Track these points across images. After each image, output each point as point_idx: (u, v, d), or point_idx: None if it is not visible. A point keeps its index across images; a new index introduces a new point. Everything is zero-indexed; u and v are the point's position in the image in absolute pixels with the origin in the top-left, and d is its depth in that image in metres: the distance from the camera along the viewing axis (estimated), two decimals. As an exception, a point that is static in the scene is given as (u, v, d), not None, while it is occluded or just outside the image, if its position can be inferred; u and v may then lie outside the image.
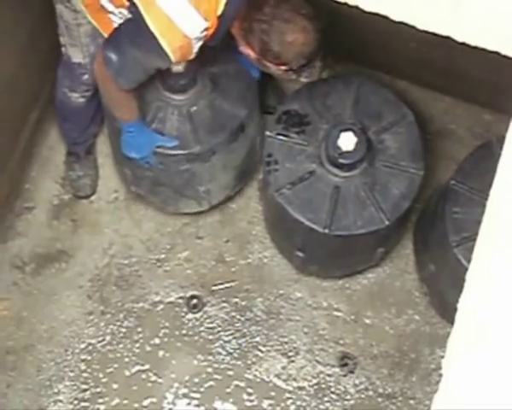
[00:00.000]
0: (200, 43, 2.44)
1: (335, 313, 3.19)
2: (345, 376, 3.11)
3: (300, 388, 3.09)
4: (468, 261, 1.51)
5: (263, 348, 3.14)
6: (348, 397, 3.08)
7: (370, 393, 3.09)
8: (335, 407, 3.07)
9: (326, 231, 2.79)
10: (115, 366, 3.12)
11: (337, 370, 3.11)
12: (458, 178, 2.86)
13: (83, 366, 3.12)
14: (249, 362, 3.12)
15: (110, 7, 2.54)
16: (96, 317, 3.18)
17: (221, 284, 3.23)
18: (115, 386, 3.10)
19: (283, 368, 3.11)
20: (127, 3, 2.41)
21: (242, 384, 3.10)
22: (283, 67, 2.52)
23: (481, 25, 1.49)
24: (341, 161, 2.79)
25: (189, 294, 3.21)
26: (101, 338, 3.16)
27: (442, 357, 1.50)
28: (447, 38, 1.53)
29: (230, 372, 3.11)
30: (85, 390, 3.09)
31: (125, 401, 3.08)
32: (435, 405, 1.49)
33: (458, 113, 3.42)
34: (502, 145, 1.54)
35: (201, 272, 3.24)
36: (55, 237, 3.30)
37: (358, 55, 3.35)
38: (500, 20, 1.48)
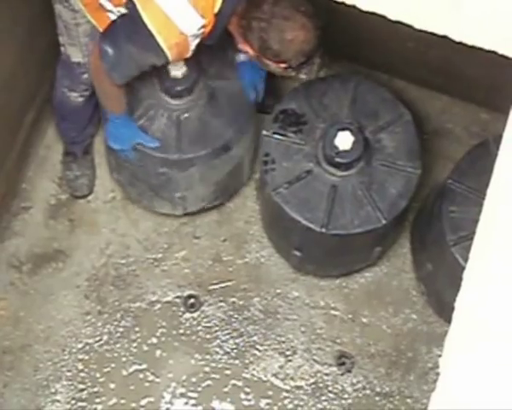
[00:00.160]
0: (197, 40, 2.44)
1: (333, 312, 3.19)
2: (342, 375, 3.11)
3: (298, 387, 3.09)
4: (466, 260, 1.52)
5: (260, 348, 3.14)
6: (346, 396, 3.09)
7: (368, 392, 3.09)
8: (333, 406, 3.07)
9: (323, 230, 2.79)
10: (112, 365, 3.12)
11: (334, 369, 3.11)
12: (455, 177, 2.86)
13: (80, 366, 3.11)
14: (247, 361, 3.12)
15: (109, 5, 2.54)
16: (94, 316, 3.18)
17: (218, 283, 3.23)
18: (112, 386, 3.09)
19: (281, 367, 3.12)
20: (125, 0, 2.41)
21: (240, 384, 3.10)
22: (283, 65, 2.51)
23: (478, 24, 1.49)
24: (338, 160, 2.80)
25: (186, 293, 3.21)
26: (98, 338, 3.15)
27: (439, 356, 1.50)
28: (444, 37, 1.53)
29: (228, 372, 3.11)
30: (83, 390, 3.09)
31: (123, 401, 3.08)
32: (432, 404, 1.49)
33: (455, 112, 3.42)
34: (499, 144, 1.54)
35: (199, 271, 3.24)
36: (52, 237, 3.30)
37: (355, 54, 3.35)
38: (497, 19, 1.48)
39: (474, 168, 2.81)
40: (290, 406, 3.07)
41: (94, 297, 3.20)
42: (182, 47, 2.42)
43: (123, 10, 2.47)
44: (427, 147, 3.26)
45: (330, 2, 1.68)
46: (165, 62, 2.50)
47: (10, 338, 3.15)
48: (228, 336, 3.16)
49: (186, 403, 3.08)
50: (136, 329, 3.16)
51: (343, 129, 2.79)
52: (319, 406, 3.07)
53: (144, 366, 3.11)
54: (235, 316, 3.18)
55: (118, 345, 3.14)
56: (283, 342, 3.15)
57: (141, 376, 3.10)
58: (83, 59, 2.86)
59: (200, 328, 3.17)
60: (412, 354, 3.13)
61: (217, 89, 2.93)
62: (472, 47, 1.53)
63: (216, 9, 2.40)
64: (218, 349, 3.13)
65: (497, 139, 1.56)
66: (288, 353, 3.13)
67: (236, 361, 3.12)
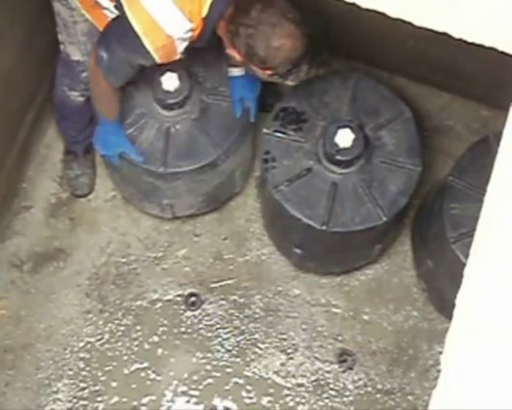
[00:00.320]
0: (185, 44, 2.44)
1: (334, 309, 3.19)
2: (343, 372, 3.11)
3: (299, 384, 3.09)
4: (466, 257, 1.52)
5: (261, 345, 3.14)
6: (347, 393, 3.09)
7: (369, 389, 3.09)
8: (334, 403, 3.08)
9: (324, 227, 2.79)
10: (114, 364, 3.12)
11: (336, 366, 3.12)
12: (456, 174, 2.86)
13: (81, 365, 3.12)
14: (248, 359, 3.12)
15: (105, 3, 2.54)
16: (95, 315, 3.18)
17: (219, 281, 3.23)
18: (114, 384, 3.10)
19: (282, 365, 3.12)
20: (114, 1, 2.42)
21: (241, 381, 3.10)
22: (269, 72, 2.48)
23: (478, 21, 1.49)
24: (339, 157, 2.80)
25: (187, 291, 3.21)
26: (99, 336, 3.16)
27: (440, 353, 1.50)
28: (444, 34, 1.53)
29: (229, 370, 3.11)
30: (84, 389, 3.09)
31: (124, 399, 3.08)
32: (434, 400, 1.49)
33: (455, 109, 3.42)
34: (499, 141, 1.54)
35: (199, 269, 3.25)
36: (52, 236, 3.30)
37: (355, 51, 3.35)
38: (497, 16, 1.48)
39: (474, 165, 2.81)
40: (291, 403, 3.08)
41: (95, 296, 3.21)
42: (169, 50, 2.43)
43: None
44: (428, 144, 3.26)
45: (330, 1, 1.68)
46: (154, 64, 2.50)
47: (11, 337, 3.15)
48: (229, 334, 3.16)
49: (188, 401, 3.08)
50: (138, 327, 3.17)
51: (343, 126, 2.79)
52: (320, 403, 3.07)
53: (146, 365, 3.11)
54: (237, 314, 3.18)
55: (119, 343, 3.14)
56: (284, 339, 3.15)
57: (142, 374, 3.11)
58: (82, 57, 2.86)
59: (201, 326, 3.17)
60: (413, 351, 3.13)
61: (210, 105, 2.93)
62: (472, 44, 1.52)
63: (204, 13, 2.40)
64: (219, 347, 3.14)
65: (498, 136, 1.56)
66: (289, 350, 3.14)
67: (238, 359, 3.12)
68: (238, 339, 3.15)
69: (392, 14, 1.55)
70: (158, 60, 2.45)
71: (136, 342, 3.15)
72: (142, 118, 2.91)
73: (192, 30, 2.40)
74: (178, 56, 2.49)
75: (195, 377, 3.10)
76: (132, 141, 2.88)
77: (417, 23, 1.54)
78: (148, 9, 2.33)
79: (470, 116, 3.39)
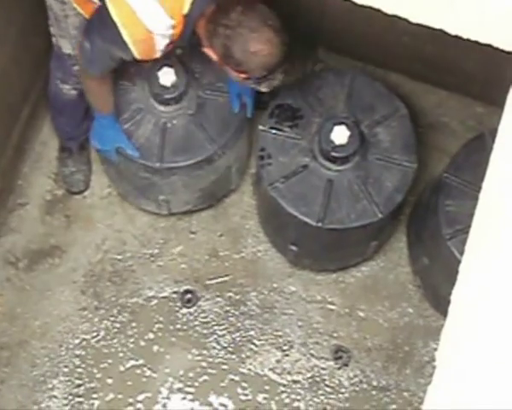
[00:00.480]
0: (166, 41, 2.43)
1: (329, 306, 3.19)
2: (339, 369, 3.12)
3: (295, 381, 3.10)
4: (461, 254, 1.52)
5: (257, 342, 3.14)
6: (342, 390, 3.09)
7: (365, 386, 3.10)
8: (330, 399, 3.08)
9: (319, 224, 2.79)
10: (109, 361, 3.12)
11: (331, 363, 3.12)
12: (451, 170, 2.86)
13: (77, 362, 3.11)
14: (243, 356, 3.12)
15: None
16: (90, 312, 3.18)
17: (215, 278, 3.23)
18: (110, 381, 3.10)
19: (278, 362, 3.12)
20: None
21: (237, 378, 3.10)
22: (243, 75, 2.46)
23: (474, 18, 1.49)
24: (334, 154, 2.80)
25: (182, 288, 3.21)
26: (95, 334, 3.16)
27: (435, 349, 1.50)
28: (440, 30, 1.53)
29: (225, 366, 3.11)
30: (80, 386, 3.09)
31: (120, 396, 3.08)
32: (429, 397, 1.49)
33: (451, 106, 3.42)
34: (494, 138, 1.54)
35: (195, 266, 3.24)
36: (48, 233, 3.29)
37: (351, 48, 3.35)
38: (492, 12, 1.48)
39: (469, 162, 2.81)
40: (287, 400, 3.08)
41: (90, 293, 3.20)
42: (148, 45, 2.42)
43: None
44: (423, 141, 3.26)
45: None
46: (133, 59, 2.49)
47: (7, 334, 3.15)
48: (225, 331, 3.16)
49: (183, 398, 3.08)
50: (133, 324, 3.16)
51: (339, 123, 2.79)
52: (316, 400, 3.08)
53: (141, 362, 3.11)
54: (232, 311, 3.18)
55: (115, 340, 3.14)
56: (280, 336, 3.15)
57: (138, 371, 3.11)
58: (73, 51, 2.86)
59: (196, 323, 3.17)
60: (409, 347, 3.14)
61: (207, 100, 2.93)
62: (467, 40, 1.52)
63: (185, 11, 2.39)
64: (214, 344, 3.14)
65: (493, 133, 1.56)
66: (284, 347, 3.14)
67: (233, 356, 3.12)
68: (234, 336, 3.15)
69: (388, 10, 1.55)
70: (136, 54, 2.44)
71: (131, 339, 3.15)
72: (138, 113, 2.91)
73: (173, 27, 2.40)
74: (158, 54, 2.48)
75: (191, 374, 3.10)
76: (129, 136, 2.88)
77: (413, 19, 1.54)
78: (129, 2, 2.32)
79: (465, 113, 3.40)
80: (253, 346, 3.14)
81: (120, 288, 3.21)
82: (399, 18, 1.55)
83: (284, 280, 3.22)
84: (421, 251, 3.07)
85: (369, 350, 3.13)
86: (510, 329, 1.45)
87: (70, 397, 3.08)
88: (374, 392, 3.09)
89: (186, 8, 2.39)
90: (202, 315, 3.18)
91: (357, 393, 3.09)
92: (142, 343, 3.14)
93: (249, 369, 3.11)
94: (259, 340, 3.15)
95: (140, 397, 3.08)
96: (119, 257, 3.26)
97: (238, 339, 3.15)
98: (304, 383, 3.09)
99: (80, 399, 3.08)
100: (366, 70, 3.23)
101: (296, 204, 2.82)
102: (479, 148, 2.75)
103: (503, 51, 1.53)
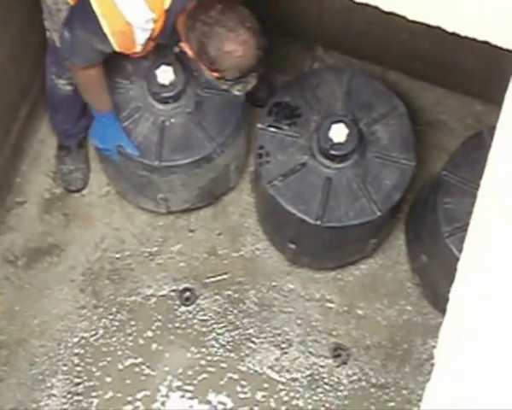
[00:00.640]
0: (146, 35, 2.43)
1: (328, 304, 3.19)
2: (338, 367, 3.12)
3: (294, 379, 3.10)
4: (460, 251, 1.52)
5: (256, 340, 3.15)
6: (341, 388, 3.10)
7: (363, 383, 3.10)
8: (329, 397, 3.08)
9: (318, 222, 2.79)
10: (108, 359, 3.12)
11: (330, 361, 3.12)
12: (450, 168, 2.87)
13: (76, 360, 3.11)
14: (242, 354, 3.12)
15: None
16: (89, 310, 3.18)
17: (214, 276, 3.23)
18: (108, 379, 3.10)
19: (276, 360, 3.12)
20: None
21: (236, 376, 3.10)
22: (216, 74, 2.46)
23: (471, 15, 1.49)
24: (333, 152, 2.80)
25: (181, 287, 3.21)
26: (93, 332, 3.15)
27: (434, 347, 1.50)
28: (438, 28, 1.53)
29: (224, 365, 3.11)
30: (78, 384, 3.09)
31: (119, 395, 3.08)
32: (427, 394, 1.49)
33: (449, 104, 3.42)
34: (493, 136, 1.54)
35: (194, 264, 3.24)
36: (46, 232, 3.29)
37: (349, 46, 3.35)
38: (490, 9, 1.48)
39: (468, 160, 2.81)
40: (286, 398, 3.08)
41: (89, 291, 3.20)
42: (127, 38, 2.42)
43: None
44: (422, 139, 3.26)
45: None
46: (113, 51, 2.49)
47: (6, 333, 3.15)
48: (223, 329, 3.16)
49: (182, 396, 3.09)
50: (132, 322, 3.16)
51: (337, 121, 2.79)
52: (315, 398, 3.08)
53: (140, 360, 3.11)
54: (231, 309, 3.18)
55: (113, 339, 3.14)
56: (279, 334, 3.15)
57: (137, 369, 3.11)
58: None
59: (195, 321, 3.17)
60: (407, 345, 3.14)
61: (205, 98, 2.92)
62: (465, 38, 1.52)
63: (166, 6, 2.39)
64: (213, 342, 3.14)
65: (492, 130, 1.56)
66: (283, 345, 3.14)
67: (232, 354, 3.12)
68: (232, 334, 3.15)
69: (386, 8, 1.54)
70: (115, 46, 2.44)
71: (130, 338, 3.15)
72: (137, 111, 2.91)
73: (153, 21, 2.40)
74: (138, 48, 2.49)
75: (190, 373, 3.10)
76: (127, 134, 2.88)
77: (411, 17, 1.54)
78: None
79: (464, 111, 3.40)
80: (251, 344, 3.14)
81: (119, 286, 3.21)
82: (397, 16, 1.55)
83: (283, 278, 3.22)
84: (420, 249, 3.07)
85: (367, 348, 3.14)
86: (509, 326, 1.45)
87: (69, 396, 3.08)
88: (372, 390, 3.09)
89: (167, 3, 2.39)
90: (201, 313, 3.18)
91: (355, 391, 3.09)
92: (141, 341, 3.14)
93: (248, 367, 3.11)
94: (258, 338, 3.15)
95: (139, 395, 3.08)
96: (118, 255, 3.26)
97: (237, 337, 3.15)
98: (302, 381, 3.09)
99: (79, 397, 3.08)
100: (364, 68, 3.23)
101: (295, 202, 2.82)
102: (477, 146, 2.76)
103: (501, 49, 1.53)
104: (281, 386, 3.09)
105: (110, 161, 3.03)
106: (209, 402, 3.08)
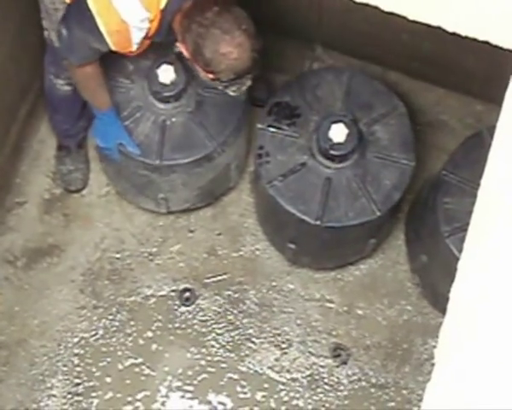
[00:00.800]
0: (141, 34, 2.44)
1: (328, 304, 3.19)
2: (338, 367, 3.12)
3: (294, 379, 3.10)
4: (460, 251, 1.52)
5: (256, 341, 3.14)
6: (341, 388, 3.09)
7: (363, 383, 3.10)
8: (329, 397, 3.08)
9: (318, 222, 2.79)
10: (108, 359, 3.12)
11: (330, 361, 3.12)
12: (449, 168, 2.87)
13: (76, 361, 3.11)
14: (242, 354, 3.12)
15: None
16: (89, 311, 3.18)
17: (213, 276, 3.23)
18: (108, 380, 3.09)
19: (276, 360, 3.12)
20: None
21: (236, 377, 3.10)
22: (211, 76, 2.46)
23: (472, 14, 1.49)
24: (332, 152, 2.80)
25: (181, 287, 3.21)
26: (93, 332, 3.15)
27: (434, 347, 1.50)
28: (438, 28, 1.52)
29: (224, 365, 3.11)
30: (78, 384, 3.09)
31: (119, 395, 3.08)
32: (428, 394, 1.49)
33: (449, 104, 3.42)
34: (492, 135, 1.54)
35: (194, 265, 3.24)
36: (46, 232, 3.29)
37: (349, 46, 3.35)
38: (490, 9, 1.48)
39: (468, 160, 2.81)
40: (286, 398, 3.08)
41: (89, 292, 3.20)
42: (123, 37, 2.43)
43: None
44: (422, 139, 3.26)
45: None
46: (109, 50, 2.49)
47: (5, 333, 3.14)
48: (223, 330, 3.16)
49: (182, 397, 3.08)
50: (132, 323, 3.16)
51: (337, 121, 2.79)
52: (315, 398, 3.08)
53: (140, 360, 3.11)
54: (231, 309, 3.18)
55: (113, 339, 3.14)
56: (279, 334, 3.15)
57: (137, 370, 3.10)
58: None
59: (195, 321, 3.17)
60: (407, 345, 3.14)
61: (206, 98, 2.92)
62: (466, 38, 1.52)
63: (162, 5, 2.39)
64: (213, 343, 3.14)
65: (491, 130, 1.56)
66: (283, 345, 3.14)
67: (232, 354, 3.12)
68: (232, 334, 3.15)
69: (386, 8, 1.54)
70: (111, 45, 2.45)
71: (130, 338, 3.14)
72: (137, 111, 2.91)
73: (149, 20, 2.40)
74: (134, 47, 2.49)
75: (190, 373, 3.10)
76: (129, 133, 2.87)
77: (411, 17, 1.54)
78: None
79: (464, 111, 3.40)
80: (251, 344, 3.14)
81: (119, 286, 3.21)
82: (397, 16, 1.55)
83: (283, 278, 3.22)
84: (420, 249, 3.07)
85: (367, 348, 3.14)
86: (509, 326, 1.45)
87: (69, 396, 3.08)
88: (372, 390, 3.09)
89: (163, 3, 2.39)
90: (201, 313, 3.18)
91: (355, 391, 3.09)
92: (141, 342, 3.14)
93: (248, 367, 3.11)
94: (258, 338, 3.15)
95: (139, 396, 3.08)
96: (118, 256, 3.26)
97: (237, 337, 3.15)
98: (302, 382, 3.09)
99: (79, 398, 3.07)
100: (364, 68, 3.23)
101: (294, 202, 2.82)
102: (477, 145, 2.76)
103: (501, 49, 1.53)
104: (281, 386, 3.09)
105: (110, 161, 3.03)
106: (209, 402, 3.08)
